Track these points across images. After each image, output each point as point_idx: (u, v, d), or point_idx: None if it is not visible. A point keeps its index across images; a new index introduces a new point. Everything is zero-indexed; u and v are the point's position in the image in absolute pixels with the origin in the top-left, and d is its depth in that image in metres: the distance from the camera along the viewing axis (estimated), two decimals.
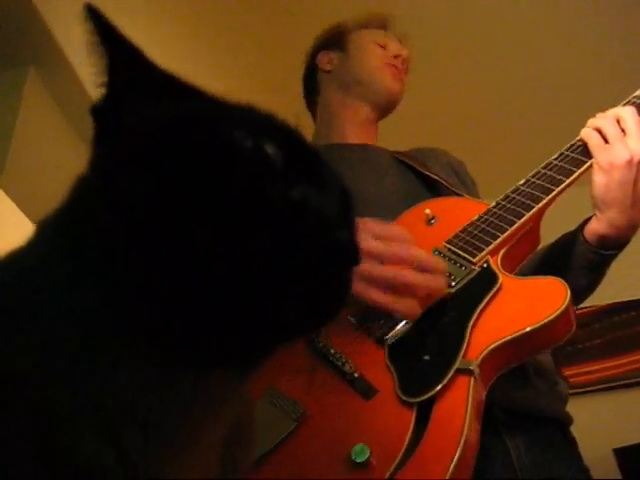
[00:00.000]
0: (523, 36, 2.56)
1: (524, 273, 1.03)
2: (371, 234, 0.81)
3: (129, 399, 0.32)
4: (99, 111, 0.37)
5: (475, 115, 2.82)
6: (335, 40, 1.38)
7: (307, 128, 1.39)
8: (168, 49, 2.23)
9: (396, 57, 1.31)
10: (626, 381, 2.73)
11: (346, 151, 1.25)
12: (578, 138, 1.02)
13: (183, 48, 2.35)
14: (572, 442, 0.98)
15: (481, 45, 2.58)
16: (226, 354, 0.34)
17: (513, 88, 2.75)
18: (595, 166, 0.96)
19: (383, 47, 1.32)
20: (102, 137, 0.36)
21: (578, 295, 1.02)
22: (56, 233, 0.35)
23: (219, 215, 0.31)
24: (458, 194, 1.11)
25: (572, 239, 1.03)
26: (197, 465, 0.36)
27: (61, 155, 2.08)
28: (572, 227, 1.06)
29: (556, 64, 2.66)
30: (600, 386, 2.74)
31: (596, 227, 0.98)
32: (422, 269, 0.80)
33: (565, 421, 0.98)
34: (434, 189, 1.16)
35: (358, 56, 1.32)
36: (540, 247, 1.03)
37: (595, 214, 0.98)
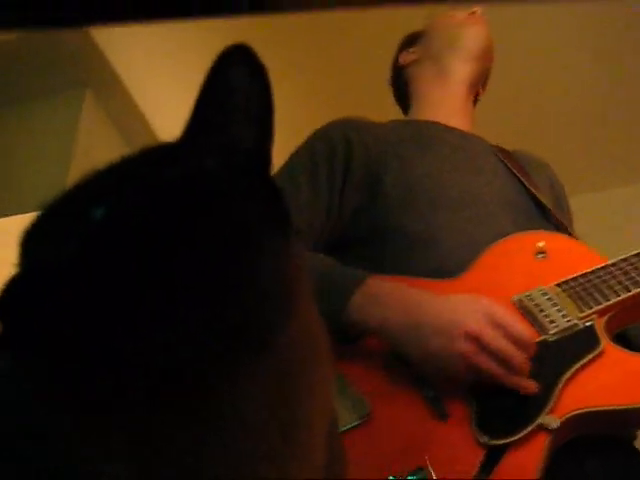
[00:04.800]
0: None
1: None
2: (488, 317, 0.81)
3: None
4: None
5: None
6: (409, 39, 1.39)
7: None
8: None
9: (471, 14, 1.30)
10: None
11: (445, 133, 1.19)
12: None
13: None
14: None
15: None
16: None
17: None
18: None
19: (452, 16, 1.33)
20: None
21: None
22: None
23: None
24: (570, 233, 1.07)
25: None
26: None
27: None
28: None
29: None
30: None
31: None
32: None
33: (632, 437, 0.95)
34: (538, 205, 1.11)
35: (437, 30, 1.32)
36: None
37: None
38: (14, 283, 0.35)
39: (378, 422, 0.77)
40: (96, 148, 2.29)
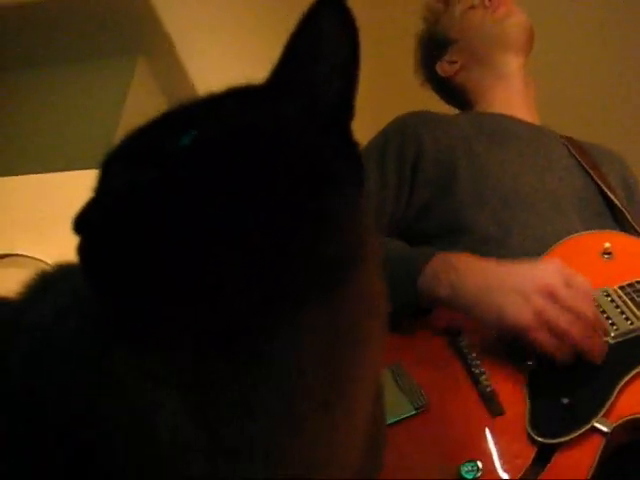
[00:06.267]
0: None
1: None
2: (562, 277, 0.81)
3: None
4: None
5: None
6: (435, 48, 1.36)
7: None
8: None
9: (490, 0, 1.28)
10: None
11: (515, 126, 1.18)
12: None
13: None
14: None
15: None
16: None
17: None
18: None
19: (473, 7, 1.30)
20: None
21: None
22: None
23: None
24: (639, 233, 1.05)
25: None
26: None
27: None
28: None
29: None
30: None
31: None
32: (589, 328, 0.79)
33: None
34: (608, 203, 1.09)
35: (473, 31, 1.29)
36: None
37: None
38: (95, 202, 0.35)
39: (433, 414, 0.78)
40: (144, 116, 2.31)
